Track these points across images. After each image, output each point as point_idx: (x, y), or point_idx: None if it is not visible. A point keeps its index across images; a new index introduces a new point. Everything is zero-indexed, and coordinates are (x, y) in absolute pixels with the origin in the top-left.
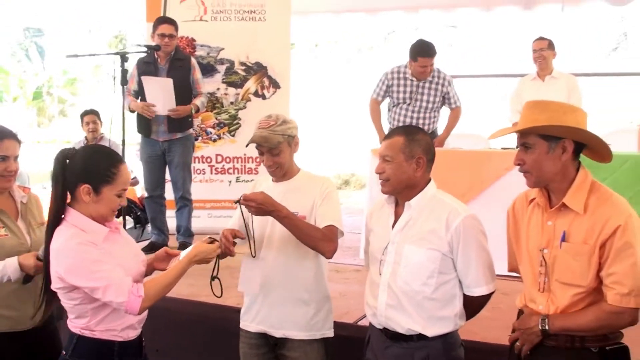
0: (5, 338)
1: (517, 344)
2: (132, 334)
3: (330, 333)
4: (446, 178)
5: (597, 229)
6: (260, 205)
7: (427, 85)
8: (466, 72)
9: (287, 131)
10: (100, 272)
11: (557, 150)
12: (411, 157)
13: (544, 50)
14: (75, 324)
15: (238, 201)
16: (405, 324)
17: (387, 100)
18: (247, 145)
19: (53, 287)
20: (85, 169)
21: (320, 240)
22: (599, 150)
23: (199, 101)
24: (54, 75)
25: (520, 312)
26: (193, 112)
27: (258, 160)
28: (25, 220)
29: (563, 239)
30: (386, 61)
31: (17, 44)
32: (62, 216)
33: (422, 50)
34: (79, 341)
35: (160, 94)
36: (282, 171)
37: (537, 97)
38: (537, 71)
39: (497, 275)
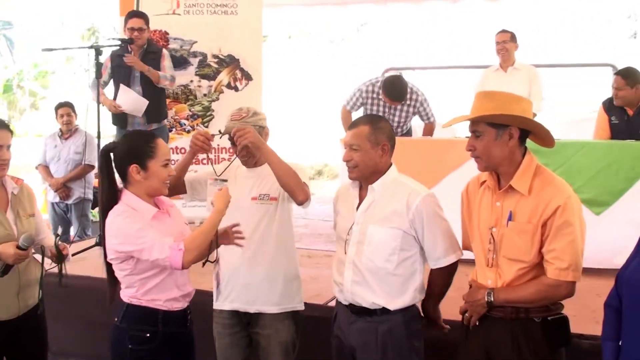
0: None
1: (467, 315)
2: (176, 305)
3: (301, 306)
4: (412, 165)
5: (540, 209)
6: (253, 140)
7: (399, 107)
8: (433, 63)
9: (258, 122)
10: (144, 237)
11: (504, 137)
12: (377, 144)
13: (506, 43)
14: (125, 293)
15: (227, 133)
16: (369, 299)
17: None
18: (220, 137)
19: (108, 258)
20: (129, 151)
21: (298, 185)
22: (542, 136)
23: (161, 75)
24: (25, 69)
25: (471, 287)
26: (147, 70)
27: (232, 150)
28: (14, 211)
29: (510, 219)
30: (358, 53)
31: None
32: (114, 204)
33: (393, 95)
34: (127, 308)
35: (131, 106)
36: (254, 159)
37: (499, 88)
38: (499, 63)
39: (461, 259)
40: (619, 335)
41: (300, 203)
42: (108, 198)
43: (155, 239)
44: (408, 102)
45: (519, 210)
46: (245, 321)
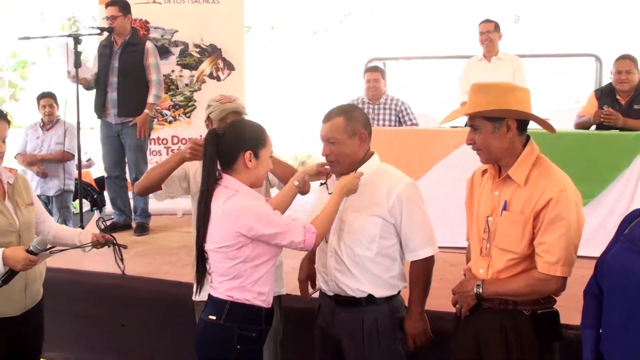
0: None
1: (457, 305)
2: (270, 301)
3: (283, 291)
4: (398, 156)
5: (533, 200)
6: None
7: (381, 107)
8: (417, 54)
9: (244, 109)
10: (279, 220)
11: (501, 129)
12: (353, 134)
13: (490, 33)
14: (228, 287)
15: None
16: (353, 286)
17: None
18: (220, 119)
19: (219, 245)
20: (246, 138)
21: (293, 169)
22: (541, 124)
23: (151, 98)
24: (3, 59)
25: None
26: (148, 112)
27: None
28: (12, 200)
29: (504, 208)
30: (341, 43)
31: None
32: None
33: (368, 68)
34: (231, 307)
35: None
36: None
37: (483, 78)
38: (483, 52)
39: (444, 247)
40: (599, 323)
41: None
42: (210, 185)
43: (289, 222)
44: (389, 102)
45: (514, 200)
46: None
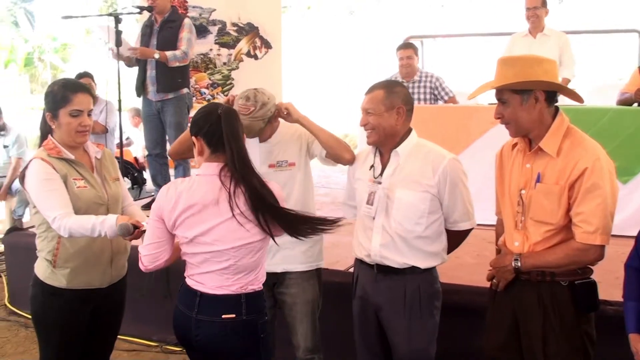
0: (79, 295)
1: (494, 280)
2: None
3: (322, 264)
4: (434, 133)
5: (567, 171)
6: (292, 113)
7: (415, 84)
8: (456, 32)
9: (267, 114)
10: None
11: (529, 101)
12: (391, 108)
13: (537, 9)
14: (244, 283)
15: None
16: (400, 260)
17: None
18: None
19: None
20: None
21: (343, 146)
22: (569, 94)
23: (169, 53)
24: (45, 42)
25: (498, 252)
26: (157, 56)
27: None
28: (100, 174)
29: (538, 180)
30: (378, 23)
31: (5, 10)
32: None
33: (401, 45)
34: (247, 299)
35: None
36: (266, 138)
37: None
38: (528, 28)
39: (483, 225)
40: None
41: (348, 162)
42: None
43: None
44: (423, 78)
45: (547, 172)
46: (270, 283)
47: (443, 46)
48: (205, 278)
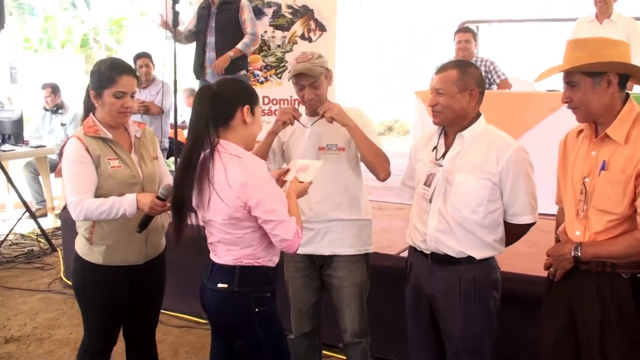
0: (116, 271)
1: (551, 269)
2: (276, 260)
3: (371, 249)
4: (491, 118)
5: (635, 159)
6: (338, 115)
7: None
8: (517, 16)
9: (325, 64)
10: (283, 207)
11: (602, 84)
12: (464, 89)
13: None
14: (238, 255)
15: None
16: (456, 248)
17: None
18: (289, 79)
19: (226, 216)
20: (242, 91)
21: (382, 165)
22: None
23: (240, 45)
24: (100, 23)
25: (557, 241)
26: (231, 55)
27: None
28: (138, 153)
29: (603, 168)
30: (432, 8)
31: None
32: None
33: (459, 29)
34: (242, 271)
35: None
36: (320, 103)
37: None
38: (595, 13)
39: (539, 214)
40: None
41: (381, 180)
42: (199, 144)
43: (285, 217)
44: (478, 65)
45: (613, 160)
46: (318, 265)
47: (498, 32)
48: (213, 247)
